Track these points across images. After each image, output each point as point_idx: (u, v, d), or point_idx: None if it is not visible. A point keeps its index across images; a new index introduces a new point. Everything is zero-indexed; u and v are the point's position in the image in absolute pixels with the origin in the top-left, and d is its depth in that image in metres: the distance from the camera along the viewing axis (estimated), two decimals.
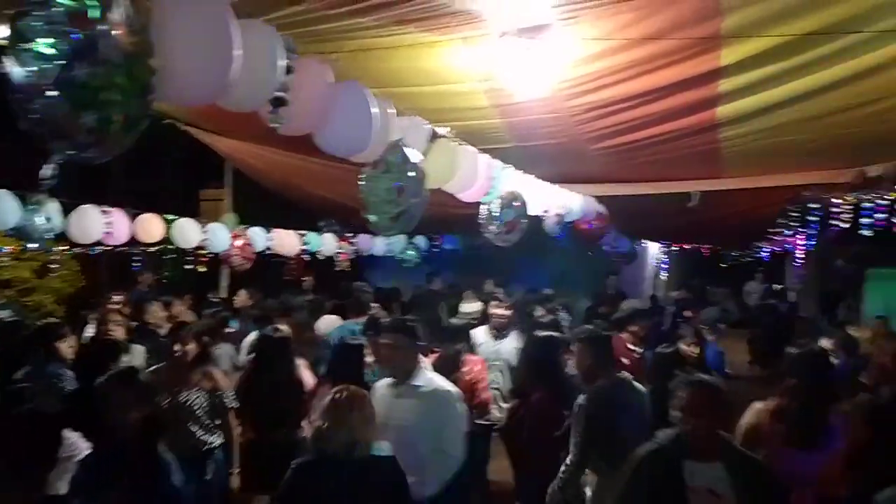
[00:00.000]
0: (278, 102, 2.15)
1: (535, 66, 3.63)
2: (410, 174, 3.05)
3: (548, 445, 4.27)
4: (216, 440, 4.27)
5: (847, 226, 6.71)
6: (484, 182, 4.39)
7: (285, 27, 2.64)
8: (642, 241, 14.21)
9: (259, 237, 7.12)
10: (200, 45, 1.78)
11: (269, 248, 7.48)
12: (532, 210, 5.28)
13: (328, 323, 6.10)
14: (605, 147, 5.14)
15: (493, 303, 6.24)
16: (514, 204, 4.79)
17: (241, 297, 8.59)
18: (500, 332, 5.88)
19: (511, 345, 5.64)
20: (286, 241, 7.59)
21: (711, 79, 3.82)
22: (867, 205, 6.14)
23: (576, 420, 3.91)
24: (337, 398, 2.93)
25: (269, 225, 7.79)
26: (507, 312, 6.01)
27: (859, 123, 4.50)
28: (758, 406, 3.72)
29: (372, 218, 3.15)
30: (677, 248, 17.12)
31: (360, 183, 3.14)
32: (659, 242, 16.15)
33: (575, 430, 3.87)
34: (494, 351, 5.70)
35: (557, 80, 3.89)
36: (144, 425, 3.00)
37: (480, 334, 5.98)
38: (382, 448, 3.11)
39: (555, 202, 5.84)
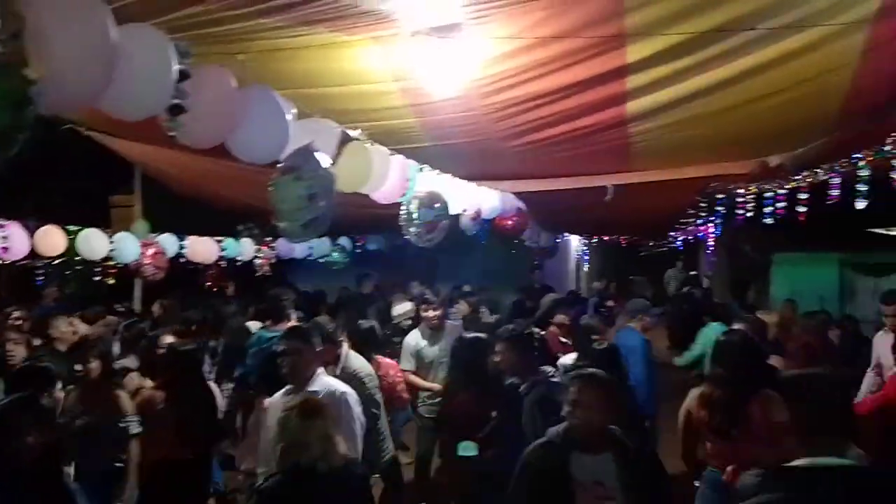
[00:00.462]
0: (176, 110, 2.05)
1: (448, 64, 3.64)
2: (322, 179, 2.99)
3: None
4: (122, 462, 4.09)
5: (751, 214, 7.04)
6: (399, 183, 4.37)
7: (184, 28, 2.54)
8: (564, 234, 14.52)
9: (171, 245, 6.84)
10: (78, 52, 1.67)
11: (183, 256, 7.21)
12: (452, 209, 5.30)
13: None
14: (520, 144, 5.20)
15: (423, 306, 6.35)
16: (435, 204, 4.79)
17: (157, 308, 8.27)
18: (434, 333, 5.99)
19: (449, 339, 5.76)
20: (201, 248, 7.33)
21: (619, 76, 3.92)
22: (769, 194, 6.45)
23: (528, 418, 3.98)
24: (299, 410, 2.87)
25: (184, 232, 7.52)
26: (438, 313, 6.14)
27: (759, 117, 4.71)
28: (694, 392, 3.87)
29: (283, 225, 3.07)
30: (598, 241, 17.61)
31: (269, 190, 3.05)
32: (580, 235, 16.54)
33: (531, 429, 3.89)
34: (434, 352, 5.89)
35: (471, 78, 3.90)
36: (45, 451, 2.83)
37: (415, 337, 6.03)
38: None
39: (473, 200, 5.87)
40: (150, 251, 6.39)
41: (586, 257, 18.59)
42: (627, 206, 8.17)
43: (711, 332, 6.39)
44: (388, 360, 5.31)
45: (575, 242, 17.58)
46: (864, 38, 3.47)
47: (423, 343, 6.01)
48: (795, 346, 5.40)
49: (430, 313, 6.12)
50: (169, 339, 5.00)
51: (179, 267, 7.62)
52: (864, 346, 6.40)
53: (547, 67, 3.77)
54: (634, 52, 3.60)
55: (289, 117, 2.83)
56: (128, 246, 6.15)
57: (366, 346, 5.17)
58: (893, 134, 4.48)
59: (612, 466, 2.85)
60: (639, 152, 5.67)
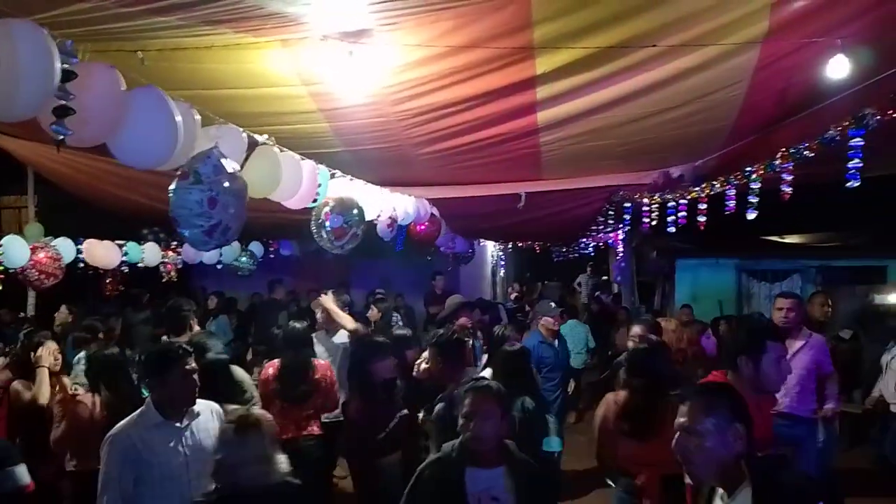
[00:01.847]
0: (61, 112, 1.92)
1: (358, 70, 3.60)
2: (224, 185, 2.88)
3: (369, 453, 4.28)
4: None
5: (655, 223, 7.32)
6: (309, 189, 4.28)
7: (72, 24, 2.41)
8: (479, 240, 14.66)
9: (68, 249, 6.45)
10: None
11: (81, 262, 6.82)
12: (366, 215, 5.24)
13: None
14: (433, 151, 5.22)
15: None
16: (348, 210, 4.73)
17: (62, 315, 7.80)
18: (329, 329, 6.00)
19: (340, 338, 5.90)
20: (101, 253, 6.94)
21: (529, 86, 4.00)
22: (671, 203, 6.73)
23: (435, 428, 3.92)
24: (240, 424, 2.71)
25: (83, 236, 7.13)
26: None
27: (660, 129, 4.91)
28: (609, 397, 3.95)
29: (184, 232, 2.95)
30: (513, 247, 17.88)
31: (169, 196, 2.93)
32: (495, 242, 16.74)
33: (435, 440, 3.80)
34: (331, 345, 5.89)
35: (382, 84, 3.89)
36: None
37: (316, 340, 5.95)
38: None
39: (387, 206, 5.84)
40: (41, 255, 5.97)
41: (502, 263, 18.84)
42: (540, 213, 8.34)
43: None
44: (322, 361, 5.17)
45: (491, 248, 17.79)
46: (756, 56, 3.68)
47: (322, 339, 5.94)
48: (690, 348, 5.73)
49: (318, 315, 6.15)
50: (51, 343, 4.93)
51: (77, 274, 7.22)
52: None
53: (458, 76, 3.80)
54: (543, 63, 3.68)
55: (179, 119, 2.70)
56: (16, 249, 5.73)
57: (299, 349, 5.08)
58: (783, 149, 4.74)
59: (506, 480, 2.84)
60: (550, 161, 5.79)
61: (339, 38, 3.25)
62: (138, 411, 3.27)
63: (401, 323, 8.34)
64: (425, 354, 4.77)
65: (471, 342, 5.72)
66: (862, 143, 3.92)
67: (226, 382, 4.21)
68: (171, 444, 3.19)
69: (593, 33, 3.30)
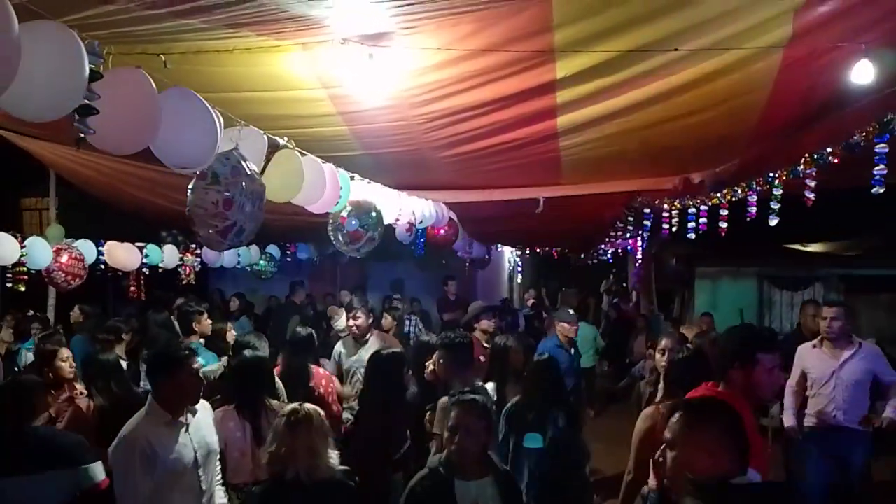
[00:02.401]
0: (85, 111, 1.95)
1: (379, 73, 3.61)
2: (242, 186, 2.90)
3: (376, 468, 4.07)
4: None
5: (675, 229, 7.26)
6: (332, 192, 4.29)
7: (100, 27, 2.44)
8: (496, 245, 14.64)
9: (89, 251, 6.53)
10: None
11: (102, 263, 6.90)
12: (384, 218, 5.25)
13: None
14: (452, 155, 5.22)
15: (350, 313, 6.17)
16: (366, 213, 4.74)
17: (75, 315, 7.90)
18: (358, 341, 5.89)
19: (371, 350, 5.59)
20: (122, 255, 7.02)
21: (549, 90, 3.98)
22: (692, 210, 6.67)
23: (438, 416, 3.96)
24: (293, 418, 2.87)
25: (103, 237, 7.22)
26: (359, 322, 5.98)
27: (681, 134, 4.87)
28: (649, 411, 3.86)
29: (199, 232, 2.97)
30: (530, 252, 17.84)
31: (186, 195, 2.96)
32: (512, 247, 16.71)
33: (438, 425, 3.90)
34: (357, 359, 5.73)
35: (402, 87, 3.89)
36: None
37: (339, 346, 5.95)
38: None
39: (406, 210, 5.84)
40: (64, 257, 6.05)
41: (519, 269, 18.81)
42: (558, 219, 8.31)
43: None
44: (321, 370, 5.19)
45: (508, 254, 17.76)
46: (779, 61, 3.64)
47: (343, 352, 5.93)
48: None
49: (352, 322, 6.00)
50: (64, 351, 4.83)
51: (97, 275, 7.31)
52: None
53: (477, 80, 3.80)
54: (563, 67, 3.67)
55: (214, 120, 2.73)
56: (39, 251, 5.82)
57: (299, 355, 5.10)
58: (806, 154, 4.68)
59: (493, 490, 2.91)
60: (569, 165, 5.77)
61: (360, 41, 3.26)
62: (144, 411, 3.35)
63: (421, 328, 8.32)
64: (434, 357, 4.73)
65: None
66: (886, 150, 3.86)
67: (267, 379, 4.27)
68: (181, 441, 3.31)
69: (614, 36, 3.28)
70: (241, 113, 3.74)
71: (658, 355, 4.67)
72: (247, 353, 4.39)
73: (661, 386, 4.18)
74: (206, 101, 2.81)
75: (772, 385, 3.13)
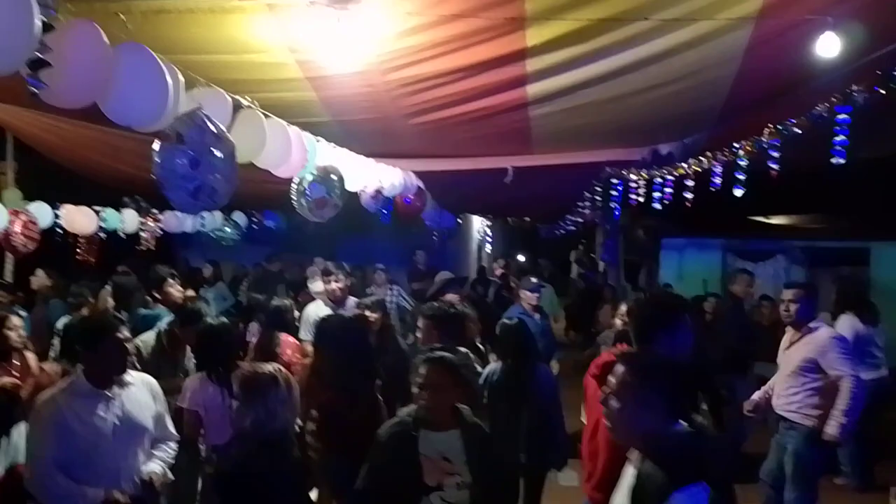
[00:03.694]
0: (36, 65, 1.87)
1: (347, 37, 3.53)
2: (209, 146, 2.83)
3: (343, 454, 3.53)
4: None
5: (642, 200, 7.32)
6: (298, 157, 4.22)
7: None
8: (465, 215, 14.64)
9: (45, 214, 6.34)
10: None
11: (58, 227, 6.72)
12: (350, 186, 5.19)
13: None
14: (422, 122, 5.17)
15: (329, 277, 6.18)
16: (332, 178, 4.67)
17: (39, 278, 7.69)
18: (337, 305, 5.95)
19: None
20: (78, 219, 6.83)
21: (519, 58, 3.95)
22: (658, 180, 6.73)
23: None
24: (265, 377, 2.87)
25: (61, 201, 7.03)
26: (341, 285, 6.07)
27: (651, 105, 4.89)
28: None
29: (169, 195, 2.91)
30: (500, 222, 17.87)
31: (153, 160, 2.88)
32: (481, 216, 16.71)
33: None
34: None
35: (371, 53, 3.82)
36: None
37: (316, 309, 5.91)
38: None
39: (373, 177, 5.79)
40: (21, 221, 5.89)
41: (489, 239, 18.85)
42: (528, 188, 8.32)
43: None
44: (290, 338, 5.13)
45: (477, 223, 17.76)
46: (748, 34, 3.65)
47: (319, 315, 5.88)
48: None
49: (334, 285, 6.02)
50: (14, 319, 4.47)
51: (56, 240, 7.14)
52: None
53: (448, 46, 3.75)
54: (534, 35, 3.64)
55: (169, 80, 2.64)
56: None
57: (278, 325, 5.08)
58: (770, 125, 4.73)
59: (459, 443, 2.98)
60: (539, 135, 5.76)
61: (328, 3, 3.18)
62: (67, 379, 3.26)
63: (405, 296, 8.27)
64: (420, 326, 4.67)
65: None
66: (849, 121, 3.91)
67: (234, 343, 4.23)
68: (101, 414, 3.15)
69: (585, 5, 3.25)
70: (205, 76, 3.64)
71: (618, 321, 4.77)
72: (209, 319, 4.34)
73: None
74: (164, 60, 2.72)
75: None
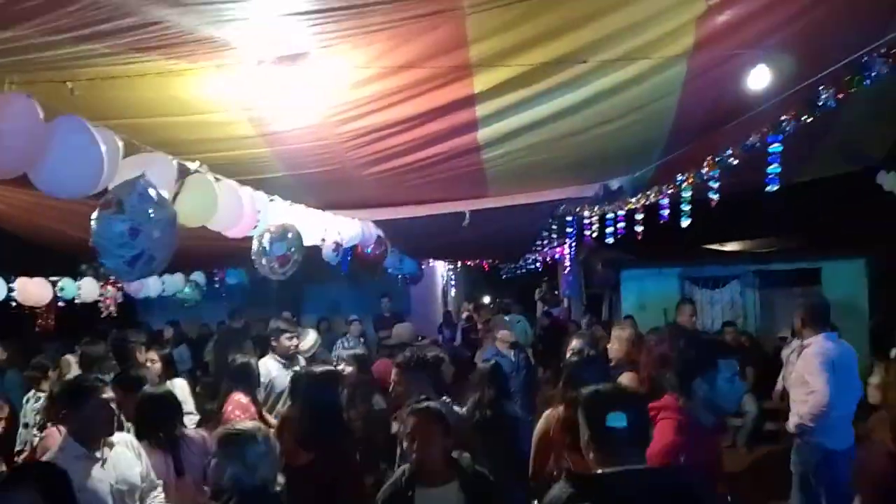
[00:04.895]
0: None
1: (297, 93, 3.60)
2: (150, 214, 2.82)
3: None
4: None
5: (596, 235, 7.46)
6: (249, 216, 4.22)
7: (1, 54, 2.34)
8: (428, 260, 14.67)
9: None
10: None
11: (12, 300, 6.57)
12: (309, 240, 5.19)
13: None
14: (376, 172, 5.22)
15: (284, 335, 6.08)
16: (288, 236, 4.67)
17: None
18: (289, 361, 5.89)
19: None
20: (33, 290, 6.70)
21: (468, 104, 4.04)
22: (610, 215, 6.87)
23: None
24: (244, 434, 2.88)
25: (14, 272, 6.87)
26: (296, 342, 6.06)
27: (598, 142, 5.02)
28: (548, 413, 3.93)
29: (106, 263, 2.87)
30: (463, 265, 17.95)
31: (91, 226, 2.86)
32: (443, 261, 16.77)
33: None
34: (285, 382, 5.57)
35: (322, 107, 3.88)
36: None
37: (269, 365, 5.80)
38: None
39: (331, 230, 5.80)
40: None
41: (453, 282, 18.89)
42: (486, 230, 8.40)
43: None
44: (237, 396, 4.98)
45: (441, 268, 17.81)
46: (684, 69, 3.81)
47: (277, 371, 5.77)
48: (649, 356, 5.59)
49: (291, 342, 5.98)
50: None
51: (11, 311, 6.98)
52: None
53: (398, 96, 3.82)
54: (481, 81, 3.74)
55: (103, 147, 2.64)
56: None
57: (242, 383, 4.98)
58: (709, 156, 4.90)
59: (459, 495, 2.90)
60: (494, 177, 5.86)
61: (275, 62, 3.23)
62: (58, 445, 3.26)
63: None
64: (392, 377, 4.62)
65: None
66: (780, 149, 4.08)
67: (176, 409, 4.13)
68: (96, 476, 3.17)
69: (527, 50, 3.37)
70: (156, 138, 3.64)
71: (568, 356, 4.77)
72: (147, 388, 4.28)
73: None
74: (108, 127, 2.73)
75: (735, 393, 3.10)
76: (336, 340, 8.04)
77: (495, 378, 4.65)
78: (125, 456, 3.40)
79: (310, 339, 6.88)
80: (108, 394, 3.32)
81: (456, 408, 4.32)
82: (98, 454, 3.22)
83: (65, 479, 2.60)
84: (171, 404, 4.10)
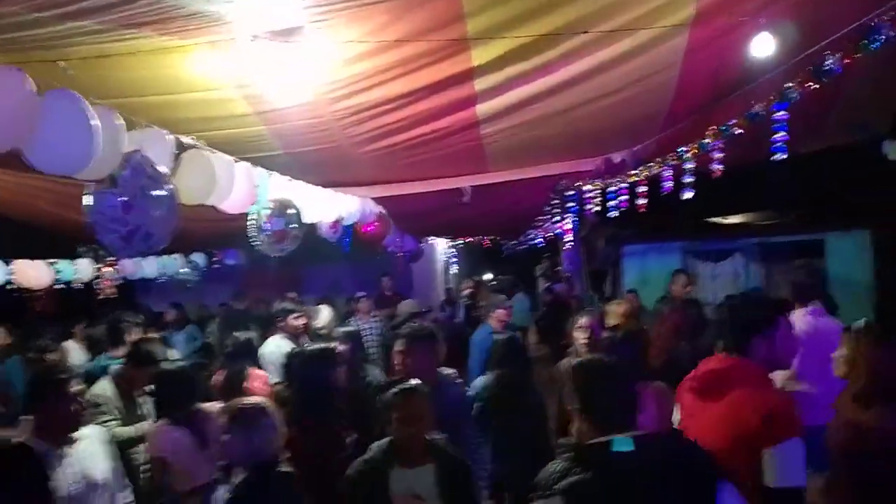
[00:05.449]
0: None
1: (293, 69, 3.53)
2: (145, 190, 2.78)
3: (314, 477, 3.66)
4: None
5: (599, 209, 7.41)
6: (247, 192, 4.18)
7: None
8: (428, 237, 14.64)
9: None
10: None
11: (11, 283, 6.55)
12: (308, 217, 5.15)
13: None
14: (374, 149, 5.16)
15: (291, 315, 6.31)
16: (288, 212, 4.63)
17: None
18: (297, 339, 6.04)
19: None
20: (31, 273, 6.69)
21: (466, 78, 3.98)
22: (612, 189, 6.82)
23: None
24: (254, 408, 2.97)
25: (13, 255, 6.85)
26: (303, 321, 6.33)
27: (599, 115, 4.96)
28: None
29: (101, 239, 2.84)
30: (463, 242, 17.91)
31: (84, 202, 2.82)
32: (443, 238, 16.73)
33: None
34: None
35: (318, 83, 3.82)
36: None
37: (282, 344, 5.84)
38: None
39: (331, 207, 5.76)
40: None
41: (454, 259, 18.86)
42: (486, 206, 8.36)
43: None
44: (259, 371, 5.01)
45: (441, 245, 17.77)
46: (685, 40, 3.74)
47: (286, 346, 5.85)
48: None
49: (298, 321, 6.19)
50: None
51: (13, 295, 6.98)
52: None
53: (394, 72, 3.76)
54: (479, 55, 3.67)
55: (95, 123, 2.58)
56: None
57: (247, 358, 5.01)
58: (712, 126, 4.84)
59: (432, 478, 2.91)
60: (493, 153, 5.80)
61: (270, 37, 3.17)
62: (24, 440, 3.06)
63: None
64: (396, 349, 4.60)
65: None
66: (786, 117, 4.02)
67: (194, 385, 4.13)
68: (57, 473, 2.96)
69: (526, 22, 3.31)
70: (152, 118, 3.59)
71: (578, 333, 4.75)
72: (166, 364, 4.27)
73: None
74: (103, 104, 2.68)
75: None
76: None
77: (511, 348, 4.80)
78: (91, 451, 3.21)
79: (324, 315, 6.96)
80: (74, 387, 3.14)
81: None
82: (59, 451, 3.04)
83: (38, 463, 2.52)
84: (187, 380, 4.08)
